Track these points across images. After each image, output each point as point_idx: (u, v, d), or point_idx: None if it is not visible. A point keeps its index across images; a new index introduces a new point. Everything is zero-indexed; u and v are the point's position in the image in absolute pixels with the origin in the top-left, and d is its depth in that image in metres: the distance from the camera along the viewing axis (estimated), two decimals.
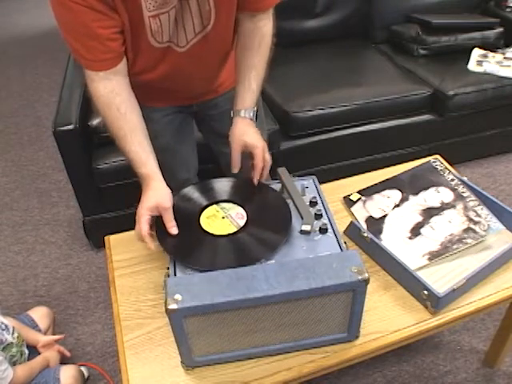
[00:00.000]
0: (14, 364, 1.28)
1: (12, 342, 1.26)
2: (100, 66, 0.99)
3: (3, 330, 1.24)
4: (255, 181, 1.12)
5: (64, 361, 1.45)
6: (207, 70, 1.18)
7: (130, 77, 1.09)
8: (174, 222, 1.01)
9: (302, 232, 1.02)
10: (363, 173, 1.39)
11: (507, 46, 2.28)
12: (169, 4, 0.95)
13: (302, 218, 1.05)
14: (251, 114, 1.14)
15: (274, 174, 1.19)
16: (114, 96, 1.02)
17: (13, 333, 1.28)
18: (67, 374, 1.33)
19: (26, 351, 1.35)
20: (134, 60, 1.06)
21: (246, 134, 1.12)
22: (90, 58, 0.97)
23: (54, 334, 1.51)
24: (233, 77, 1.29)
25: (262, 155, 1.10)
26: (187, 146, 1.35)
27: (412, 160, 1.40)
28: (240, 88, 1.14)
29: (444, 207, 1.20)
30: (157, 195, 1.03)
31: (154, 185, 1.04)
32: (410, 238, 1.14)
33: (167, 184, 1.38)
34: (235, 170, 1.12)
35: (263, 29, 1.12)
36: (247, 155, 1.12)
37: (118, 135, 1.05)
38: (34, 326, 1.44)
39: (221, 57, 1.18)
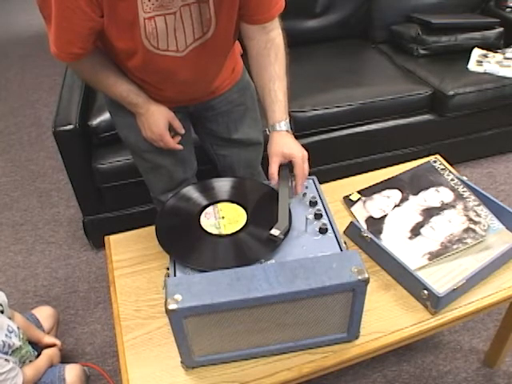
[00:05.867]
0: (23, 363, 1.28)
1: (21, 345, 1.26)
2: (68, 57, 1.03)
3: (11, 332, 1.23)
4: (298, 190, 1.09)
5: (63, 360, 1.45)
6: (206, 76, 1.19)
7: (125, 71, 1.11)
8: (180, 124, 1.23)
9: (271, 236, 0.97)
10: (363, 173, 1.40)
11: (507, 46, 2.28)
12: (167, 8, 0.96)
13: (276, 221, 1.01)
14: (286, 126, 1.12)
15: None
16: (92, 66, 1.09)
17: (20, 335, 1.28)
18: (72, 373, 1.33)
19: (31, 349, 1.34)
20: (129, 61, 1.06)
21: (284, 145, 1.10)
22: (61, 50, 1.00)
23: (57, 334, 1.51)
24: (229, 78, 1.29)
25: (302, 164, 1.08)
26: (185, 146, 1.35)
27: (412, 160, 1.40)
28: (268, 102, 1.13)
29: (444, 207, 1.20)
30: (163, 114, 1.19)
31: (155, 107, 1.18)
32: (410, 238, 1.14)
33: (165, 186, 1.39)
34: (273, 183, 1.10)
35: (276, 40, 1.13)
36: (285, 166, 1.11)
37: (107, 85, 1.13)
38: (39, 326, 1.43)
39: (219, 63, 1.19)
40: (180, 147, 1.25)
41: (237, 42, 1.26)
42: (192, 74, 1.13)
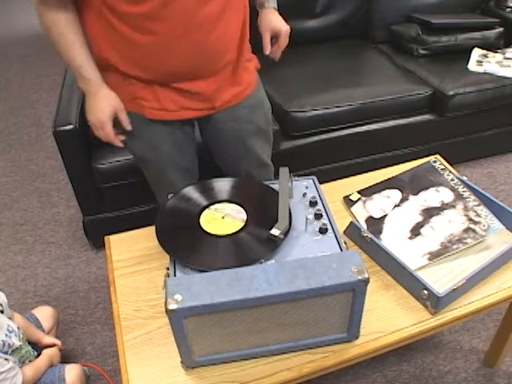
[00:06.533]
0: (23, 362, 1.28)
1: (20, 345, 1.26)
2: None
3: (11, 332, 1.23)
4: (277, 56, 1.31)
5: (63, 360, 1.45)
6: (207, 29, 1.07)
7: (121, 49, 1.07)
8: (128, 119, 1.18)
9: (271, 236, 0.98)
10: (363, 173, 1.40)
11: (507, 46, 2.28)
12: None
13: (276, 221, 1.01)
14: (273, 3, 1.30)
15: (276, 174, 1.19)
16: (67, 21, 1.05)
17: (20, 335, 1.28)
18: (72, 373, 1.33)
19: (31, 349, 1.34)
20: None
21: (271, 20, 1.27)
22: None
23: (57, 334, 1.51)
24: (232, 93, 1.23)
25: (285, 38, 1.28)
26: (188, 158, 1.32)
27: (412, 160, 1.40)
28: None
29: (444, 207, 1.20)
30: (110, 102, 1.14)
31: (104, 92, 1.14)
32: (410, 238, 1.14)
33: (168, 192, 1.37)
34: (266, 52, 1.28)
35: None
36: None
37: (69, 49, 1.08)
38: (39, 326, 1.43)
39: (224, 21, 1.09)
40: (120, 144, 1.20)
41: (254, 56, 1.28)
42: (194, 15, 1.03)
